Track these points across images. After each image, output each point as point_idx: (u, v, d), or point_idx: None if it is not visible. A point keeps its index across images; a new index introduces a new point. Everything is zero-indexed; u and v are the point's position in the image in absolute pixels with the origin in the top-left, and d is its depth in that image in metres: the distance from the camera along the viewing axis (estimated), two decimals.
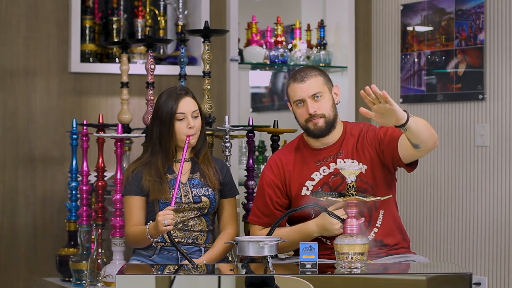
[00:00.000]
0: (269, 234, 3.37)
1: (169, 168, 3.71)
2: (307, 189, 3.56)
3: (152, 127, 3.70)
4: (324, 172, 3.57)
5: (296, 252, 3.63)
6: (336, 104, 3.59)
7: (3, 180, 4.85)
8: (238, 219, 3.87)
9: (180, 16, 5.28)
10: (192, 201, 3.68)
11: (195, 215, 3.70)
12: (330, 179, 3.54)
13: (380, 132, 3.53)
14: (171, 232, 3.65)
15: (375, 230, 3.52)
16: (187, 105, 3.67)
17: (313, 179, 3.57)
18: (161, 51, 5.29)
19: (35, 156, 4.90)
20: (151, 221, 3.54)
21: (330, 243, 3.50)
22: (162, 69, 5.08)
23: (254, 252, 3.06)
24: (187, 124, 3.65)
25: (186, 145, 3.61)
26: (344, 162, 3.54)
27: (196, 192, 3.70)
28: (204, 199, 3.70)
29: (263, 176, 3.65)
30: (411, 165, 3.49)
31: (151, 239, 3.54)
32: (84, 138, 4.25)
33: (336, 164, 3.55)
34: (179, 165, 3.59)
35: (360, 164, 3.53)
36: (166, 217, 3.42)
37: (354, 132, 3.60)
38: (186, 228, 3.69)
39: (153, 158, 3.69)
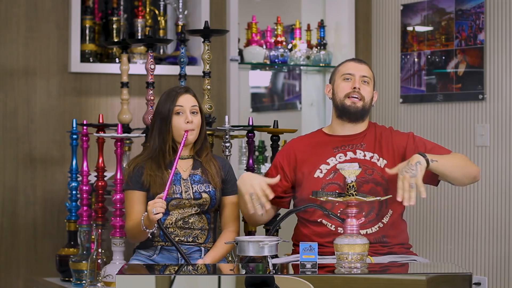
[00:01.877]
0: (270, 234, 3.37)
1: (170, 163, 3.71)
2: (321, 172, 3.60)
3: (153, 123, 3.72)
4: (340, 158, 3.61)
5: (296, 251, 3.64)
6: (371, 105, 3.68)
7: (3, 180, 4.85)
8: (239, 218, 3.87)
9: (180, 16, 5.28)
10: (192, 197, 3.68)
11: (195, 211, 3.70)
12: None
13: (417, 144, 3.60)
14: (172, 230, 3.66)
15: (380, 225, 3.54)
16: (185, 100, 3.68)
17: (328, 164, 3.61)
18: (161, 51, 5.29)
19: (35, 156, 4.90)
20: (145, 212, 3.55)
21: (334, 229, 3.52)
22: (162, 69, 5.08)
23: (254, 252, 3.06)
24: (185, 118, 3.66)
25: (184, 140, 3.62)
26: (364, 155, 3.59)
27: (197, 188, 3.70)
28: (204, 195, 3.70)
29: (275, 157, 3.77)
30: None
31: (147, 230, 3.53)
32: (84, 138, 4.25)
33: (354, 154, 3.60)
34: (181, 162, 3.69)
35: (381, 158, 3.59)
36: (155, 205, 3.43)
37: (379, 129, 3.69)
38: (187, 226, 3.69)
39: (154, 154, 3.70)
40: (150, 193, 3.67)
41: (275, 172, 3.68)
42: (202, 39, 4.14)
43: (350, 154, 3.61)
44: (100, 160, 4.19)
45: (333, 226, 3.55)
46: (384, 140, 3.63)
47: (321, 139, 3.70)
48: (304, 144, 3.71)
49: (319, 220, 3.58)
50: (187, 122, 3.66)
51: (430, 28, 5.17)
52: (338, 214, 3.50)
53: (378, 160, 3.59)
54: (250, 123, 4.10)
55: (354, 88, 3.61)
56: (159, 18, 5.31)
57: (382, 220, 3.55)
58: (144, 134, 4.13)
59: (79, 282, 4.15)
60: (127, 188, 3.72)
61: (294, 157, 3.67)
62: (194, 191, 3.69)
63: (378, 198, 3.27)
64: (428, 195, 5.13)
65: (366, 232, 3.49)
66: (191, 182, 3.71)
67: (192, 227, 3.70)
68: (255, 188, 3.42)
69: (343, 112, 3.63)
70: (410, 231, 5.18)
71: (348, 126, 3.65)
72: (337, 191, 3.38)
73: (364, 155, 3.60)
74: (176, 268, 3.24)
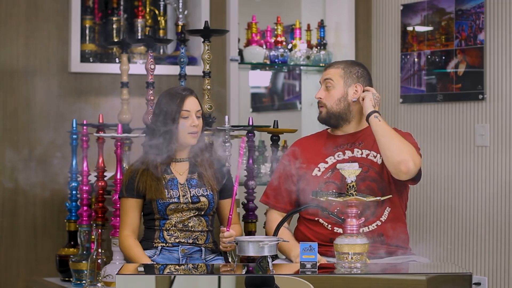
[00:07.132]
0: (275, 234, 3.37)
1: (167, 167, 3.71)
2: (319, 170, 3.62)
3: (153, 126, 3.70)
4: (338, 157, 3.64)
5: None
6: (353, 101, 3.64)
7: (3, 180, 4.84)
8: (239, 219, 3.87)
9: (180, 16, 5.28)
10: (190, 201, 3.68)
11: (193, 214, 3.70)
12: None
13: None
14: (172, 232, 3.66)
15: (378, 223, 3.54)
16: (192, 104, 3.69)
17: (326, 162, 3.63)
18: (161, 51, 5.28)
19: (35, 156, 4.90)
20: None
21: (330, 228, 3.53)
22: (162, 69, 5.08)
23: (254, 252, 3.06)
24: (191, 122, 3.66)
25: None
26: (362, 153, 3.61)
27: (195, 192, 3.70)
28: (202, 199, 3.70)
29: (281, 161, 3.71)
30: (414, 179, 3.56)
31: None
32: (84, 138, 4.25)
33: (352, 153, 3.63)
34: (178, 165, 3.68)
35: (378, 155, 3.60)
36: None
37: None
38: (186, 229, 3.69)
39: (151, 158, 3.69)
40: (147, 198, 3.67)
41: (283, 177, 3.65)
42: (202, 39, 4.14)
43: (348, 153, 3.64)
44: (100, 160, 4.19)
45: (329, 225, 3.55)
46: None
47: (325, 138, 3.72)
48: (308, 143, 3.74)
49: (316, 219, 3.59)
50: (193, 125, 3.67)
51: (430, 28, 5.17)
52: (336, 212, 3.50)
53: (375, 157, 3.61)
54: (250, 123, 4.10)
55: (318, 98, 3.69)
56: (159, 18, 5.31)
57: (381, 218, 3.55)
58: (144, 134, 4.12)
59: (79, 282, 4.15)
60: (121, 196, 3.73)
61: (298, 156, 3.68)
62: (192, 195, 3.69)
63: (378, 198, 3.27)
64: (428, 194, 5.15)
65: (363, 230, 3.47)
66: (189, 187, 3.70)
67: (192, 229, 3.70)
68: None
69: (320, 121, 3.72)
70: (411, 231, 5.18)
71: (339, 129, 3.69)
72: (335, 191, 3.38)
73: (362, 153, 3.63)
74: (176, 268, 3.24)
